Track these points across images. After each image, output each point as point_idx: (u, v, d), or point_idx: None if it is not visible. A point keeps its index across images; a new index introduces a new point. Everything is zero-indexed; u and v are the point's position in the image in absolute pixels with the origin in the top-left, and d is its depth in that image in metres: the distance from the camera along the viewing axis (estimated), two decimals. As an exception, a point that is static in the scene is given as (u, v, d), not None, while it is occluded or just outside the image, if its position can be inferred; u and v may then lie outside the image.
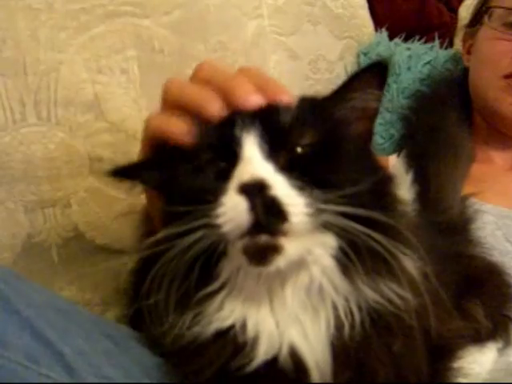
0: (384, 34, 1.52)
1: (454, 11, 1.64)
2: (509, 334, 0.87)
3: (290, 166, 0.59)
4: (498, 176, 1.22)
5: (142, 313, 0.63)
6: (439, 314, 0.64)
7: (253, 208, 0.54)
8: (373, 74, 0.65)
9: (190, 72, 1.01)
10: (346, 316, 0.60)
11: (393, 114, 1.39)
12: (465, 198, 1.09)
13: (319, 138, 0.61)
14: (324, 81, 1.39)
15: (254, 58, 1.19)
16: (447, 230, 0.96)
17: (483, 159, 1.24)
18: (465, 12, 1.55)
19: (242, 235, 0.56)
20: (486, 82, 1.23)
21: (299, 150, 0.60)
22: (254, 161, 0.58)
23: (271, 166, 0.58)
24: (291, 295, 0.60)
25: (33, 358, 0.57)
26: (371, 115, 0.67)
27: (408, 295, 0.60)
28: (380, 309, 0.60)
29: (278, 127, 0.61)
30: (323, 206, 0.56)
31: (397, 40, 1.51)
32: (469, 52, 1.35)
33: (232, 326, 0.60)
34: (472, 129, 1.29)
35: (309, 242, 0.58)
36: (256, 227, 0.55)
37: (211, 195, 0.57)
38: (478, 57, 1.30)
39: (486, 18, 1.26)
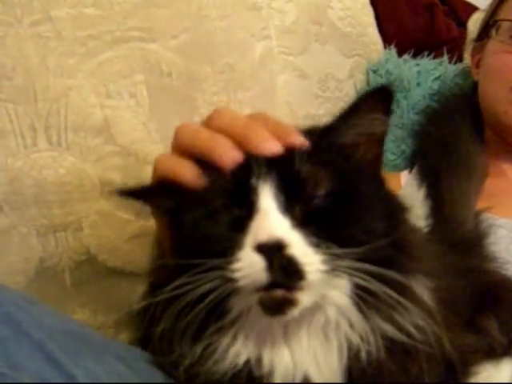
0: (393, 50, 1.53)
1: (463, 26, 1.64)
2: (524, 350, 0.86)
3: (306, 220, 0.58)
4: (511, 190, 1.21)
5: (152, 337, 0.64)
6: (452, 329, 0.64)
7: (270, 267, 0.55)
8: (378, 98, 0.64)
9: (198, 95, 1.04)
10: (362, 345, 0.60)
11: (403, 130, 1.39)
12: (478, 213, 1.08)
13: (334, 184, 0.61)
14: (334, 99, 1.39)
15: (262, 79, 1.20)
16: (461, 245, 0.95)
17: (496, 173, 1.23)
18: (473, 26, 1.54)
19: (258, 290, 0.56)
20: (495, 95, 1.23)
21: (316, 201, 0.60)
22: (270, 215, 0.57)
23: (288, 220, 0.57)
24: (307, 333, 0.61)
25: (44, 380, 0.57)
26: (379, 140, 0.66)
27: (424, 324, 0.61)
28: (395, 342, 0.61)
29: (294, 176, 0.60)
30: (339, 263, 0.57)
31: (406, 56, 1.51)
32: (478, 66, 1.35)
33: (247, 362, 0.60)
34: (484, 143, 1.28)
35: (323, 289, 0.59)
36: (272, 284, 0.56)
37: (226, 246, 0.57)
38: (486, 70, 1.29)
39: (493, 32, 1.26)
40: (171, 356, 0.62)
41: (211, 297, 0.57)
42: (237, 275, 0.56)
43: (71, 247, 0.92)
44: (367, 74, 1.49)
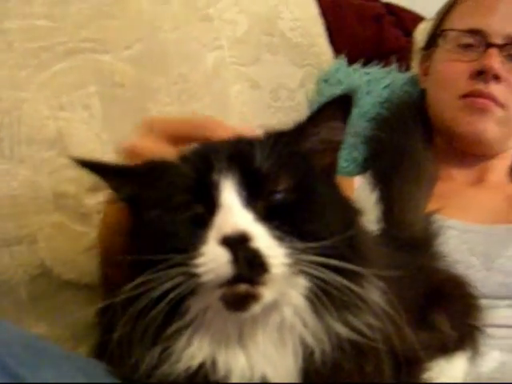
0: (343, 60, 1.55)
1: (410, 35, 1.68)
2: (476, 344, 0.89)
3: (268, 215, 0.59)
4: (460, 192, 1.24)
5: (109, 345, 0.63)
6: (404, 327, 0.65)
7: (235, 260, 0.55)
8: (337, 106, 0.66)
9: (151, 105, 1.04)
10: (317, 345, 0.61)
11: (355, 137, 1.41)
12: (429, 215, 1.11)
13: (294, 181, 0.62)
14: (286, 109, 1.41)
15: (215, 89, 1.21)
16: (411, 245, 0.98)
17: (445, 177, 1.26)
18: (420, 35, 1.59)
19: (222, 285, 0.56)
20: (444, 102, 1.27)
21: (277, 196, 0.61)
22: (234, 209, 0.58)
23: (251, 214, 0.58)
24: (262, 334, 0.61)
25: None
26: (336, 147, 0.68)
27: (376, 323, 0.62)
28: (349, 341, 0.61)
29: (255, 172, 0.61)
30: (301, 257, 0.57)
31: (356, 65, 1.54)
32: (426, 74, 1.38)
33: (202, 365, 0.60)
34: (433, 148, 1.32)
35: (283, 286, 0.59)
36: (236, 278, 0.56)
37: (188, 242, 0.57)
38: (434, 78, 1.33)
39: (440, 41, 1.30)
40: (129, 361, 0.61)
41: (172, 295, 0.56)
42: (200, 270, 0.56)
43: (26, 261, 0.91)
44: (318, 83, 1.51)
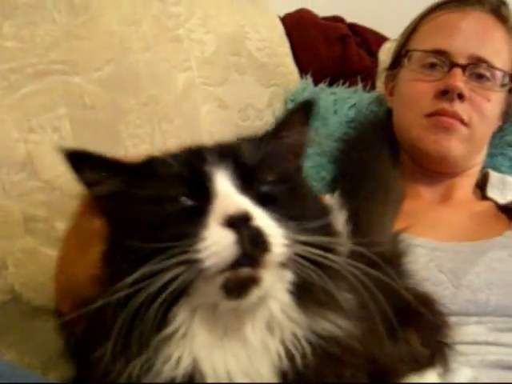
0: (309, 80, 1.57)
1: (374, 55, 1.71)
2: (446, 360, 0.90)
3: (260, 202, 0.61)
4: (428, 210, 1.26)
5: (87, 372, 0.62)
6: (377, 340, 0.68)
7: (240, 241, 0.56)
8: (299, 113, 0.73)
9: (122, 127, 1.04)
10: (297, 347, 0.61)
11: (323, 157, 1.43)
12: (397, 234, 1.12)
13: (279, 174, 0.66)
14: (254, 128, 1.40)
15: (186, 110, 1.21)
16: (378, 264, 0.98)
17: (412, 195, 1.28)
18: (384, 55, 1.61)
19: (224, 269, 0.57)
20: (409, 121, 1.29)
21: (266, 186, 0.64)
22: (232, 195, 0.60)
23: (247, 199, 0.60)
24: (251, 330, 0.61)
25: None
26: (302, 150, 0.74)
27: (348, 325, 0.64)
28: (328, 340, 0.63)
29: (245, 165, 0.64)
30: (298, 237, 0.59)
31: (322, 85, 1.56)
32: (391, 93, 1.41)
33: (186, 373, 0.60)
34: (400, 167, 1.34)
35: (277, 276, 0.61)
36: (238, 262, 0.57)
37: (186, 231, 0.58)
38: (400, 98, 1.35)
39: (405, 61, 1.33)
40: (109, 377, 0.60)
41: (173, 286, 0.56)
42: (204, 254, 0.56)
43: (-5, 286, 0.89)
44: (285, 103, 1.52)
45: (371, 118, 1.47)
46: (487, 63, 1.24)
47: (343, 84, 1.57)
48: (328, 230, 0.66)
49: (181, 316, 0.60)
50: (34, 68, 0.93)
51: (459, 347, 0.93)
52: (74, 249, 0.75)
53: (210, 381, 0.59)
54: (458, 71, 1.22)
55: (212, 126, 1.29)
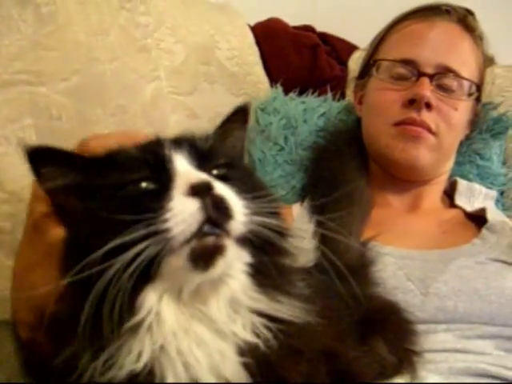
0: (279, 89, 1.57)
1: (344, 64, 1.72)
2: (414, 367, 0.90)
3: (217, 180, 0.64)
4: (397, 218, 1.27)
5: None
6: (336, 334, 0.70)
7: (204, 207, 0.59)
8: (238, 115, 0.81)
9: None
10: (259, 328, 0.63)
11: (293, 165, 1.43)
12: (365, 242, 1.13)
13: (229, 160, 0.71)
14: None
15: (154, 120, 1.20)
16: (345, 273, 0.99)
17: (381, 203, 1.29)
18: (354, 65, 1.63)
19: (190, 238, 0.58)
20: (378, 130, 1.30)
21: (220, 168, 0.68)
22: (192, 171, 0.64)
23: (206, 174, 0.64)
24: (217, 312, 0.63)
25: None
26: (241, 146, 0.81)
27: (304, 313, 0.65)
28: (286, 325, 0.64)
29: (200, 150, 0.68)
30: (255, 208, 0.63)
31: (292, 94, 1.56)
32: (360, 102, 1.42)
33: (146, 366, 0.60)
34: (369, 175, 1.34)
35: (236, 253, 0.63)
36: (201, 229, 0.59)
37: (151, 206, 0.59)
38: (369, 107, 1.36)
39: (374, 70, 1.34)
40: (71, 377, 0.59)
41: (142, 258, 0.57)
42: (170, 224, 0.58)
43: (-41, 300, 0.87)
44: (255, 112, 1.52)
45: (341, 126, 1.48)
46: (454, 73, 1.26)
47: (313, 93, 1.58)
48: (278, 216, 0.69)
49: (148, 303, 0.61)
50: (-1, 78, 0.93)
51: (428, 355, 0.93)
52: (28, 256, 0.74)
53: (171, 370, 0.60)
54: (425, 80, 1.23)
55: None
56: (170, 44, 1.32)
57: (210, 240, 0.60)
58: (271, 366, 0.62)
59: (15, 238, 0.90)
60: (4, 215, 0.90)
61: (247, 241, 0.64)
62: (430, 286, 1.06)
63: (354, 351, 0.73)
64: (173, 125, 1.27)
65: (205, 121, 1.38)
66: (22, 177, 0.92)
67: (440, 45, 1.27)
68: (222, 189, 0.61)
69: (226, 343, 0.62)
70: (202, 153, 0.68)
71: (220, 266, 0.61)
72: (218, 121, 1.38)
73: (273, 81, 1.63)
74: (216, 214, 0.59)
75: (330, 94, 1.57)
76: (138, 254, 0.57)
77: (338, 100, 1.58)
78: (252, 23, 1.71)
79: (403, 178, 1.31)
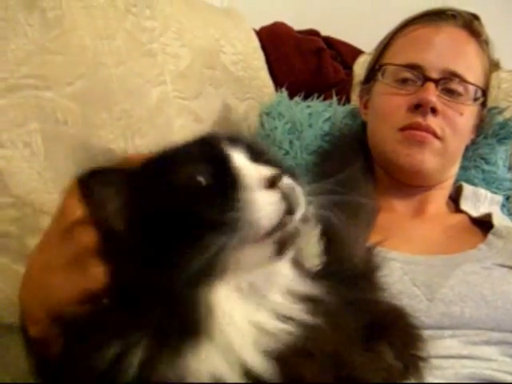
0: (284, 93, 1.57)
1: (349, 68, 1.72)
2: (420, 373, 0.90)
3: None
4: (402, 223, 1.27)
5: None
6: (345, 341, 0.69)
7: (283, 197, 0.60)
8: None
9: (95, 142, 1.03)
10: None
11: (297, 170, 1.43)
12: (371, 247, 1.12)
13: (273, 160, 0.70)
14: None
15: (159, 124, 1.20)
16: (351, 278, 0.99)
17: (386, 208, 1.29)
18: (359, 69, 1.63)
19: (274, 229, 0.60)
20: (383, 135, 1.30)
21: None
22: (256, 165, 0.64)
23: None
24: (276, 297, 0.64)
25: None
26: None
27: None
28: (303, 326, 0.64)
29: (253, 148, 0.68)
30: (311, 198, 0.65)
31: (297, 99, 1.57)
32: (366, 107, 1.42)
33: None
34: (374, 180, 1.34)
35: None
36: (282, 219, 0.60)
37: (215, 199, 0.60)
38: (374, 111, 1.36)
39: (379, 75, 1.34)
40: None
41: (225, 251, 0.58)
42: (255, 215, 0.59)
43: (-35, 305, 0.88)
44: (260, 116, 1.52)
45: (346, 131, 1.48)
46: (460, 78, 1.25)
47: (318, 97, 1.59)
48: None
49: (221, 301, 0.61)
50: (6, 83, 0.92)
51: (434, 361, 0.93)
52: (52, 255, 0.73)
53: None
54: (431, 85, 1.23)
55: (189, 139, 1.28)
56: (176, 48, 1.32)
57: (291, 227, 0.61)
58: (288, 362, 0.61)
59: (21, 243, 0.91)
60: (10, 219, 0.90)
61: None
62: (436, 292, 1.06)
63: (360, 357, 0.72)
64: (178, 129, 1.27)
65: (209, 125, 1.39)
66: (28, 181, 0.93)
67: (446, 50, 1.27)
68: (287, 179, 0.62)
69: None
70: (255, 151, 0.68)
71: (290, 253, 0.64)
72: (223, 125, 1.41)
73: (278, 85, 1.63)
74: (291, 203, 0.60)
75: (335, 99, 1.57)
76: (221, 246, 0.58)
77: (344, 104, 1.58)
78: (257, 27, 1.72)
79: (408, 183, 1.31)
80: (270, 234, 0.60)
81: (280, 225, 0.60)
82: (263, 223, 0.59)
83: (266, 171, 0.62)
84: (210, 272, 0.59)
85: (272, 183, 0.61)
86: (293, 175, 0.69)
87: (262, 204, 0.59)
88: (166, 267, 0.58)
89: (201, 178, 0.63)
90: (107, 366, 0.58)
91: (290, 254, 0.64)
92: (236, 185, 0.61)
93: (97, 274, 0.64)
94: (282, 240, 0.62)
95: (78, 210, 0.68)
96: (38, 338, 0.71)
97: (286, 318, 0.63)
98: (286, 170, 0.68)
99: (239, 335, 0.60)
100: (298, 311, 0.64)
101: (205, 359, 0.59)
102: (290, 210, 0.61)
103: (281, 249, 0.62)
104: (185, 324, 0.59)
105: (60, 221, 0.71)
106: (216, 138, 0.68)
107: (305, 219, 0.64)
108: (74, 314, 0.63)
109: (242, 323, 0.61)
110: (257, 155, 0.68)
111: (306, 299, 0.66)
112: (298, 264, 0.69)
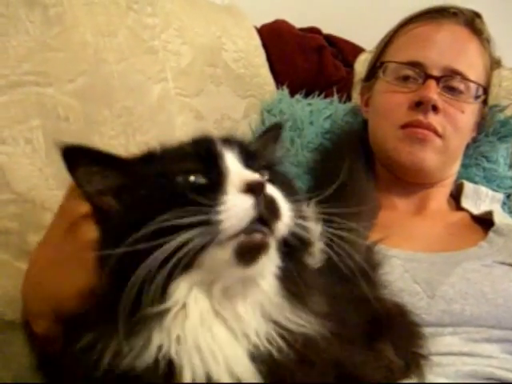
0: (285, 91, 1.57)
1: (350, 66, 1.72)
2: (421, 370, 0.90)
3: None
4: (403, 221, 1.27)
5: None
6: (344, 345, 0.69)
7: (257, 205, 0.60)
8: (272, 131, 0.85)
9: (96, 139, 1.03)
10: (278, 336, 0.64)
11: (298, 167, 1.43)
12: (372, 245, 1.12)
13: (269, 163, 0.73)
14: (230, 139, 1.41)
15: (160, 121, 1.20)
16: (353, 275, 0.98)
17: (387, 206, 1.29)
18: (360, 67, 1.63)
19: (239, 233, 0.60)
20: (385, 132, 1.29)
21: (264, 168, 0.70)
22: (244, 169, 0.66)
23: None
24: (244, 313, 0.64)
25: None
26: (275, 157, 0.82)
27: (318, 324, 0.66)
28: (299, 335, 0.64)
29: (248, 150, 0.70)
30: (299, 212, 0.65)
31: (298, 96, 1.57)
32: (367, 105, 1.41)
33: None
34: (375, 178, 1.34)
35: (275, 253, 0.65)
36: (251, 226, 0.60)
37: (203, 199, 0.60)
38: (375, 109, 1.36)
39: (380, 73, 1.33)
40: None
41: (189, 247, 0.58)
42: (223, 216, 0.59)
43: (-35, 301, 0.88)
44: (261, 113, 1.53)
45: (347, 128, 1.47)
46: (461, 75, 1.25)
47: (319, 95, 1.59)
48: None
49: (179, 293, 0.62)
50: (7, 79, 0.92)
51: (435, 358, 0.93)
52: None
53: (188, 364, 0.60)
54: (432, 83, 1.23)
55: (187, 137, 1.28)
56: (177, 45, 1.32)
57: (258, 237, 0.61)
58: (283, 374, 0.62)
59: (22, 239, 0.91)
60: (11, 216, 0.90)
61: (282, 244, 0.65)
62: (437, 289, 1.06)
63: (361, 356, 0.73)
64: (179, 126, 1.27)
65: (211, 122, 1.39)
66: (29, 177, 0.93)
67: (447, 47, 1.27)
68: (272, 190, 0.63)
69: (241, 347, 0.62)
70: (249, 153, 0.69)
71: (262, 263, 0.63)
72: (225, 122, 1.41)
73: (279, 83, 1.63)
74: (266, 212, 0.61)
75: (336, 96, 1.57)
76: (184, 243, 0.58)
77: (344, 102, 1.58)
78: (258, 25, 1.72)
79: (409, 181, 1.31)
80: (231, 237, 0.60)
81: (246, 230, 0.60)
82: (227, 225, 0.59)
83: (250, 176, 0.63)
84: (174, 264, 0.59)
85: (250, 189, 0.61)
86: (290, 187, 0.72)
87: (232, 206, 0.60)
88: (137, 254, 0.59)
89: (192, 177, 0.64)
90: (83, 355, 0.60)
91: (260, 264, 0.63)
92: (218, 186, 0.62)
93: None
94: (246, 247, 0.61)
95: (80, 207, 0.68)
96: (41, 333, 0.71)
97: (244, 337, 0.63)
98: (282, 180, 0.71)
99: (190, 331, 0.61)
100: (262, 337, 0.63)
101: (158, 345, 0.60)
102: (264, 220, 0.61)
103: (243, 256, 0.61)
104: (144, 309, 0.60)
105: (63, 217, 0.71)
106: (212, 138, 0.70)
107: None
108: (70, 312, 0.64)
109: (195, 321, 0.62)
110: (251, 159, 0.69)
111: (281, 328, 0.64)
112: (291, 291, 0.67)
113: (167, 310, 0.61)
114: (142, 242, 0.58)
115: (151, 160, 0.69)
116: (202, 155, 0.66)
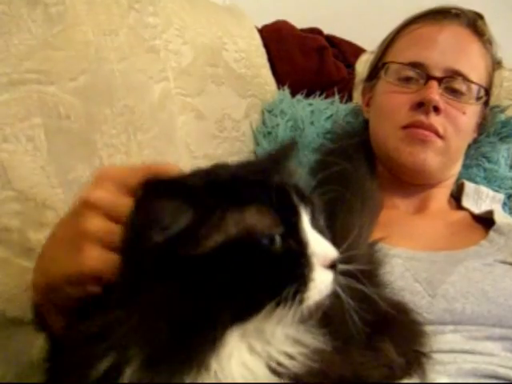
0: (286, 91, 1.58)
1: (351, 67, 1.72)
2: (423, 369, 0.90)
3: None
4: (403, 220, 1.27)
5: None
6: (346, 357, 0.69)
7: (335, 279, 0.64)
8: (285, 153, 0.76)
9: (97, 137, 1.03)
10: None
11: (299, 168, 1.43)
12: (373, 244, 1.12)
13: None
14: (231, 139, 1.42)
15: (161, 121, 1.20)
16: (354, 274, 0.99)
17: (388, 205, 1.29)
18: (361, 68, 1.63)
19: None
20: (386, 133, 1.30)
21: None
22: (322, 239, 0.64)
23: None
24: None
25: None
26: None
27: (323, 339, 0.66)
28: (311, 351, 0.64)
29: (311, 204, 0.66)
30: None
31: (299, 96, 1.57)
32: (368, 105, 1.42)
33: None
34: (376, 177, 1.34)
35: None
36: None
37: (291, 272, 0.61)
38: (376, 109, 1.36)
39: (382, 73, 1.34)
40: None
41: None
42: (311, 293, 0.61)
43: (-33, 298, 0.88)
44: (262, 113, 1.53)
45: (347, 129, 1.48)
46: (463, 76, 1.25)
47: (320, 95, 1.59)
48: None
49: (233, 337, 0.60)
50: (9, 77, 0.92)
51: (436, 356, 0.93)
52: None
53: None
54: (433, 84, 1.23)
55: (188, 137, 1.29)
56: (178, 45, 1.32)
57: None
58: None
59: (23, 236, 0.91)
60: (12, 213, 0.90)
61: None
62: (438, 288, 1.06)
63: (362, 356, 0.73)
64: (180, 126, 1.27)
65: (212, 122, 1.39)
66: (30, 175, 0.93)
67: (449, 48, 1.27)
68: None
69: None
70: (312, 206, 0.66)
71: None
72: (225, 122, 1.41)
73: (280, 83, 1.64)
74: None
75: (337, 97, 1.57)
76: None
77: (345, 102, 1.58)
78: (259, 25, 1.72)
79: (410, 181, 1.31)
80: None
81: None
82: (312, 301, 0.62)
83: (331, 253, 0.64)
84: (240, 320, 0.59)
85: (331, 265, 0.63)
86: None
87: (319, 283, 0.62)
88: (207, 302, 0.58)
89: (277, 240, 0.61)
90: (101, 375, 0.58)
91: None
92: (303, 259, 0.62)
93: (89, 259, 0.65)
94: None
95: (92, 194, 0.68)
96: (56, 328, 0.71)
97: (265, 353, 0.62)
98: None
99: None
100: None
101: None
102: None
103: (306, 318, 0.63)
104: (188, 351, 0.58)
105: (73, 226, 0.70)
106: (288, 189, 0.64)
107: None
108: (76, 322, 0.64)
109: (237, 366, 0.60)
110: (314, 217, 0.66)
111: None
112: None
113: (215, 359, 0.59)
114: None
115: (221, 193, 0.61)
116: (281, 211, 0.62)
